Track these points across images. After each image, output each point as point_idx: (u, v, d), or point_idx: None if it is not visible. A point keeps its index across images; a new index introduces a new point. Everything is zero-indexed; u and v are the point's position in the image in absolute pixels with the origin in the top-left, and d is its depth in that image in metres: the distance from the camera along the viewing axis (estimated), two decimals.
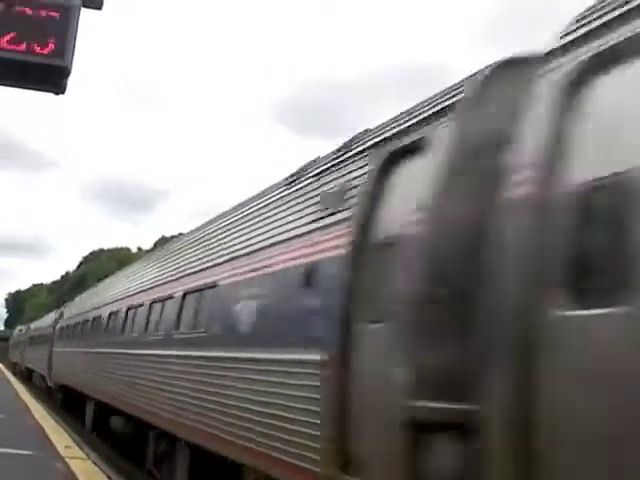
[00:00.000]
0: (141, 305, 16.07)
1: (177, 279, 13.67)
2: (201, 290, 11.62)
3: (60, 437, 20.25)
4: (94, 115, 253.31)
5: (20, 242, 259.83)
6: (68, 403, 30.11)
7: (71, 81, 4.86)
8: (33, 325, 55.88)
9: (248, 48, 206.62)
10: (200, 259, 12.49)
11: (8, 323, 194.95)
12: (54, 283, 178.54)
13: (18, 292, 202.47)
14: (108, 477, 14.41)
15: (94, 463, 16.15)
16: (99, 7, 5.35)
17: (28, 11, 4.55)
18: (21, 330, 70.26)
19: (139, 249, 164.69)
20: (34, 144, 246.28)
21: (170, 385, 12.20)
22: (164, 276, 15.07)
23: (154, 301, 14.94)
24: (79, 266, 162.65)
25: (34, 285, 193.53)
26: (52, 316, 38.70)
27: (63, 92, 4.82)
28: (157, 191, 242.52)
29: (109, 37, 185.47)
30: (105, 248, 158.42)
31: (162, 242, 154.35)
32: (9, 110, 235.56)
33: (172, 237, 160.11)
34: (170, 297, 13.53)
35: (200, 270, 12.19)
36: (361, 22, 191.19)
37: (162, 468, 13.29)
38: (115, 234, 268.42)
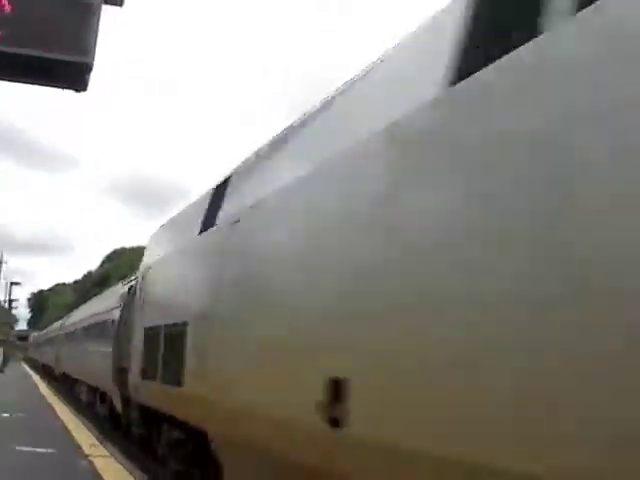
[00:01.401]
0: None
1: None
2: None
3: (84, 436, 20.45)
4: (113, 112, 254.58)
5: (42, 242, 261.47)
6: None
7: (92, 78, 4.99)
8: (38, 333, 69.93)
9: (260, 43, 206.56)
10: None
11: (31, 323, 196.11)
12: (76, 282, 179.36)
13: (41, 292, 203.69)
14: (132, 475, 14.57)
15: (118, 461, 16.30)
16: (120, 4, 5.47)
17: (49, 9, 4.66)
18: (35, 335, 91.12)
19: None
20: (54, 144, 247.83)
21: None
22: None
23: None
24: (101, 265, 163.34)
25: (57, 285, 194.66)
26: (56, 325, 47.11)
27: (85, 89, 4.92)
28: (178, 188, 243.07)
29: (127, 33, 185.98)
30: (127, 247, 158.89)
31: None
32: (28, 110, 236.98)
33: None
34: None
35: None
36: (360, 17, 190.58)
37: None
38: (137, 232, 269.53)
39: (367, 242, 5.57)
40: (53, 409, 29.66)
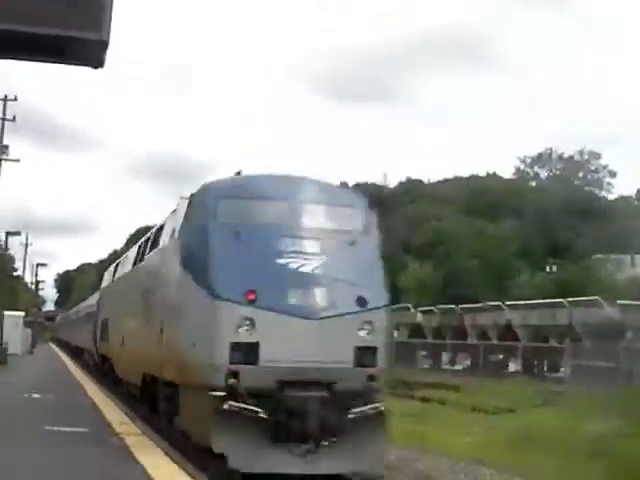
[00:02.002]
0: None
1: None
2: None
3: (115, 414, 20.61)
4: (134, 91, 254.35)
5: (67, 223, 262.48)
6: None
7: (111, 58, 5.01)
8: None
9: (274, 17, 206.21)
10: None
11: (58, 303, 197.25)
12: (102, 262, 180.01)
13: (67, 272, 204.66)
14: (164, 451, 14.66)
15: (149, 439, 16.40)
16: None
17: None
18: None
19: None
20: (77, 124, 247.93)
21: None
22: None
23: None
24: (126, 244, 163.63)
25: (82, 265, 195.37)
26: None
27: (102, 66, 4.93)
28: (201, 165, 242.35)
29: (147, 10, 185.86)
30: (151, 225, 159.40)
31: None
32: (50, 90, 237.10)
33: None
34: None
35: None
36: None
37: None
38: (161, 210, 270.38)
39: (122, 299, 25.09)
40: (83, 388, 29.89)
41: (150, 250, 20.00)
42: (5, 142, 52.97)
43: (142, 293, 19.35)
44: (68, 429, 16.90)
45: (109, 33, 4.64)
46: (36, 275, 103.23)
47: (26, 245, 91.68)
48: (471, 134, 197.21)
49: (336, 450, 13.10)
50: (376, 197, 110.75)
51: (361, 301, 13.50)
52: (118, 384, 26.10)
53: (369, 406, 13.43)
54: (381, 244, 15.19)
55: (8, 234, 63.15)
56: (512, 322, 54.04)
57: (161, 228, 19.01)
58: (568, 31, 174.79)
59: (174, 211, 17.28)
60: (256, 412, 12.78)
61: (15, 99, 55.44)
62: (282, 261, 13.38)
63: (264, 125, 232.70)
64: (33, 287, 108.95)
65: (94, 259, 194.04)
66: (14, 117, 55.41)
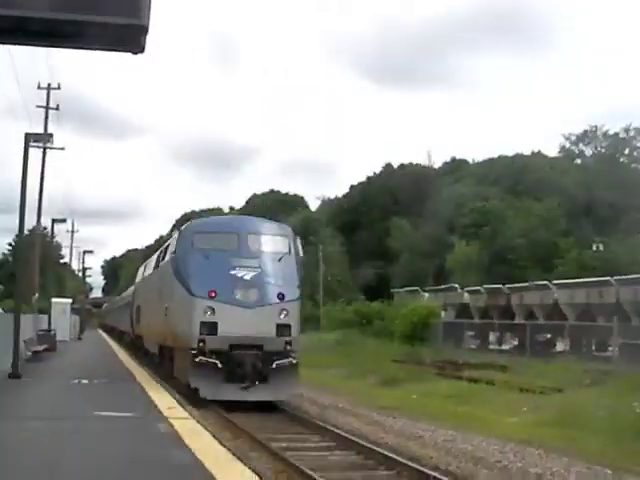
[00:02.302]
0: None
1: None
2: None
3: (163, 399, 20.76)
4: (176, 76, 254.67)
5: (113, 210, 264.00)
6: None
7: (153, 42, 5.03)
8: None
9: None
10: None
11: (105, 289, 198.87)
12: (148, 247, 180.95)
13: (114, 259, 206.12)
14: (212, 435, 14.76)
15: (197, 422, 16.51)
16: None
17: None
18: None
19: (231, 209, 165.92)
20: (120, 111, 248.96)
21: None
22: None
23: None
24: (172, 229, 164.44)
25: (129, 251, 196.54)
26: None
27: (142, 51, 4.94)
28: (245, 149, 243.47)
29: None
30: (197, 210, 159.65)
31: (254, 199, 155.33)
32: (94, 77, 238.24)
33: (263, 194, 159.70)
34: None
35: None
36: None
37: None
38: (206, 195, 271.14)
39: (147, 293, 34.96)
40: (131, 373, 30.14)
41: (161, 261, 30.95)
42: (49, 130, 53.26)
43: (157, 291, 30.32)
44: (117, 414, 17.07)
45: (149, 18, 4.65)
46: (83, 262, 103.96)
47: (72, 232, 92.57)
48: (515, 112, 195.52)
49: (265, 386, 22.75)
50: (421, 177, 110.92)
51: (280, 296, 23.35)
52: (146, 354, 36.92)
53: (286, 360, 23.03)
54: (303, 260, 25.70)
55: (54, 221, 63.43)
56: (559, 301, 53.62)
57: (167, 247, 29.87)
58: (614, 6, 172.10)
59: (173, 237, 27.83)
60: (215, 363, 22.54)
61: (58, 87, 55.87)
62: (232, 272, 23.36)
63: (305, 106, 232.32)
64: (80, 274, 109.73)
65: (140, 245, 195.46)
66: (58, 106, 55.91)
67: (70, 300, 68.86)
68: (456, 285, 69.20)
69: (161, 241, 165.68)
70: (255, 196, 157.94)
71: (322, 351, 54.37)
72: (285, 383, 23.22)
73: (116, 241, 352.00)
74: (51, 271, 65.74)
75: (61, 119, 79.60)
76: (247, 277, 23.60)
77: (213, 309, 23.12)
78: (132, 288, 50.19)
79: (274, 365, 22.97)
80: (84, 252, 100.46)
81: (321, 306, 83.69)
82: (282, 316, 23.54)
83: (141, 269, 43.98)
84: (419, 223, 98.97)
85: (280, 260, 24.43)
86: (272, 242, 25.06)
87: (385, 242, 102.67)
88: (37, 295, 50.77)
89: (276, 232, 25.87)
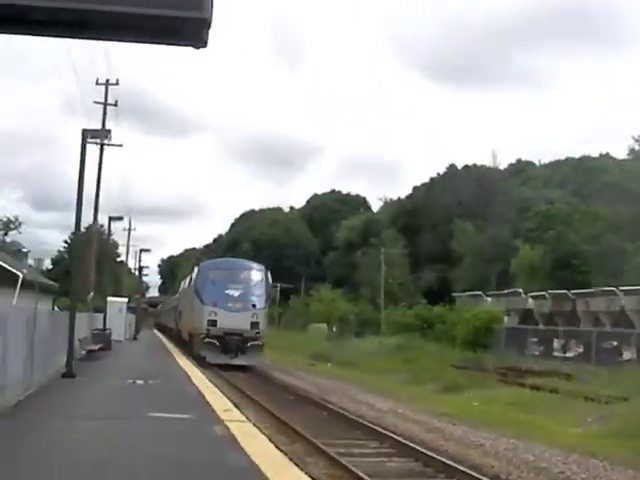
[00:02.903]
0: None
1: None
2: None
3: (219, 401, 20.83)
4: (237, 72, 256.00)
5: (171, 208, 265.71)
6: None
7: (215, 37, 5.01)
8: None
9: None
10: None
11: (161, 289, 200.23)
12: (206, 247, 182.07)
13: (171, 258, 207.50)
14: (268, 438, 14.77)
15: (254, 425, 16.53)
16: None
17: None
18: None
19: (291, 208, 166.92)
20: (179, 107, 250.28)
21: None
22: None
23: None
24: (231, 229, 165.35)
25: (186, 250, 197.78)
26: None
27: (204, 45, 4.92)
28: (306, 147, 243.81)
29: None
30: (256, 209, 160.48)
31: (315, 200, 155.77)
32: (153, 74, 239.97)
33: (324, 194, 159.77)
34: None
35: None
36: None
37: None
38: (266, 194, 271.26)
39: (183, 301, 61.59)
40: (187, 375, 30.30)
41: (190, 282, 53.56)
42: (107, 127, 53.66)
43: (187, 300, 53.52)
44: (172, 415, 17.13)
45: (211, 11, 4.64)
46: (139, 261, 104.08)
47: (129, 230, 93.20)
48: (583, 112, 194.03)
49: (243, 356, 44.52)
50: (486, 179, 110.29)
51: (253, 305, 45.81)
52: (183, 342, 58.18)
53: (255, 342, 44.84)
54: (272, 286, 53.40)
55: (111, 219, 63.36)
56: (626, 308, 53.13)
57: (191, 275, 54.24)
58: None
59: (193, 271, 53.93)
60: (215, 343, 44.45)
61: (117, 83, 56.28)
62: (227, 291, 45.77)
63: (369, 105, 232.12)
64: (136, 273, 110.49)
65: (198, 244, 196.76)
66: (116, 102, 56.27)
67: (126, 299, 69.43)
68: (520, 290, 68.81)
69: (220, 240, 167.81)
70: (316, 196, 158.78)
71: (382, 356, 54.43)
72: (255, 355, 45.55)
73: (173, 240, 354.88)
74: (107, 269, 66.06)
75: (119, 116, 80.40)
76: (235, 294, 46.33)
77: (215, 312, 45.50)
78: (177, 295, 75.73)
79: (248, 345, 45.00)
80: (141, 250, 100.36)
81: (382, 310, 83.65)
82: (254, 317, 45.73)
83: (183, 282, 68.72)
84: (483, 226, 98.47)
85: (255, 285, 47.68)
86: (251, 274, 48.78)
87: (448, 245, 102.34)
88: (92, 293, 51.20)
89: (254, 268, 50.17)
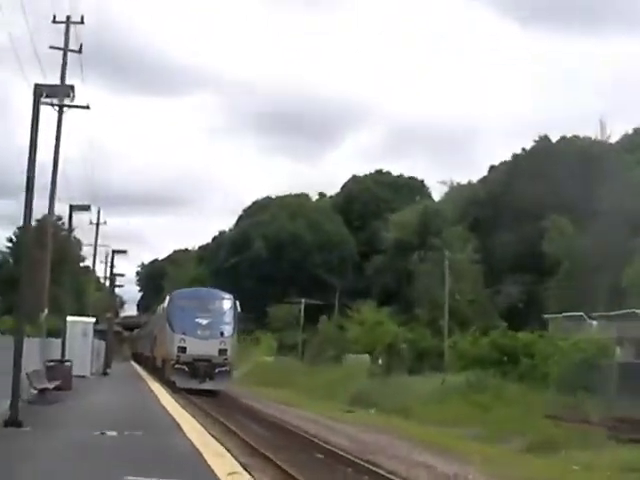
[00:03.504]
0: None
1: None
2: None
3: (221, 460, 20.75)
4: (249, 10, 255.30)
5: (156, 195, 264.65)
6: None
7: None
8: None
9: None
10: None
11: (141, 306, 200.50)
12: (203, 248, 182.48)
13: (154, 263, 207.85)
14: None
15: None
16: None
17: None
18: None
19: (321, 196, 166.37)
20: (168, 56, 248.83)
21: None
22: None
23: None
24: (238, 223, 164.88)
25: (175, 252, 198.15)
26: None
27: None
28: (342, 114, 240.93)
29: None
30: (273, 196, 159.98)
31: (353, 183, 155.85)
32: (132, 11, 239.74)
33: (367, 176, 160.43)
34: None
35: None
36: None
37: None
38: (287, 176, 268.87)
39: (157, 327, 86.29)
40: (177, 423, 30.33)
41: (162, 310, 78.49)
42: (69, 81, 52.11)
43: (160, 326, 76.91)
44: None
45: None
46: (111, 267, 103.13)
47: (97, 224, 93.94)
48: None
49: (212, 381, 65.58)
50: (591, 156, 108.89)
51: (221, 333, 67.47)
52: (157, 369, 78.20)
53: (223, 368, 66.24)
54: (240, 314, 73.23)
55: (73, 209, 60.87)
56: None
57: (163, 304, 78.18)
58: None
59: (166, 299, 76.50)
60: (184, 369, 65.00)
61: (82, 21, 55.75)
62: (197, 320, 66.98)
63: (428, 59, 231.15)
64: (107, 283, 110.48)
65: (192, 244, 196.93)
66: (80, 47, 55.77)
67: (93, 319, 69.84)
68: (637, 311, 68.44)
69: (222, 239, 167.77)
70: (355, 180, 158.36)
71: (445, 400, 54.27)
72: (223, 380, 65.68)
73: (158, 238, 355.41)
74: (68, 278, 65.62)
75: (86, 66, 78.44)
76: (204, 322, 65.85)
77: (185, 339, 64.76)
78: (153, 317, 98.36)
79: (217, 371, 64.42)
80: (114, 252, 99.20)
81: (445, 337, 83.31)
82: (222, 345, 65.44)
83: (159, 307, 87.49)
84: (587, 222, 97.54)
85: (224, 314, 68.47)
86: (219, 303, 69.84)
87: (537, 248, 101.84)
88: (47, 311, 51.33)
89: (223, 298, 71.08)
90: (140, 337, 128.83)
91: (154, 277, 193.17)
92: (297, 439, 37.05)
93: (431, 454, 31.13)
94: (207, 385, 63.50)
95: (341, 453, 31.57)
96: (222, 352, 65.00)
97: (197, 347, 64.23)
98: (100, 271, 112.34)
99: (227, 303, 70.07)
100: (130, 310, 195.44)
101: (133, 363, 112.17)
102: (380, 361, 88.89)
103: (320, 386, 72.74)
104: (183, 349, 64.01)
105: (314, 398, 64.49)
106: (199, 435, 27.05)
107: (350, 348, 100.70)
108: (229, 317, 68.25)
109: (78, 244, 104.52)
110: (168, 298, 73.52)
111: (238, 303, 70.79)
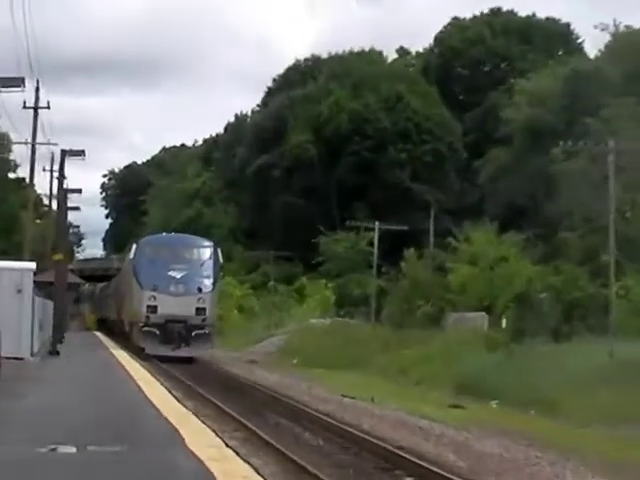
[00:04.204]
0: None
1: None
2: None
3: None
4: None
5: (133, 62, 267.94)
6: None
7: None
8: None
9: None
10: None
11: (109, 242, 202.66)
12: (210, 144, 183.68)
13: (130, 168, 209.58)
14: None
15: None
16: None
17: None
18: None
19: (402, 53, 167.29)
20: None
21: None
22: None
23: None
24: (265, 99, 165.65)
25: (165, 150, 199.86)
26: None
27: None
28: None
29: None
30: (324, 55, 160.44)
31: (451, 31, 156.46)
32: None
33: (472, 20, 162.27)
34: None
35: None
36: None
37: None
38: (350, 25, 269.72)
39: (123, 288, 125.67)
40: (175, 431, 30.41)
41: (128, 262, 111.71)
42: None
43: (126, 281, 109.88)
44: None
45: None
46: (60, 178, 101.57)
47: (35, 109, 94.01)
48: None
49: (187, 347, 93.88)
50: None
51: (199, 289, 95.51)
52: (124, 334, 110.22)
53: (202, 330, 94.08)
54: (221, 265, 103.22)
55: None
56: None
57: (129, 254, 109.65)
58: None
59: (132, 248, 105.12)
60: (155, 332, 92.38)
61: None
62: (169, 272, 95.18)
63: None
64: (54, 205, 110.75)
65: (192, 138, 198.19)
66: None
67: (32, 265, 69.42)
68: None
69: (238, 128, 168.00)
70: (456, 24, 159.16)
71: (617, 385, 54.11)
72: (201, 345, 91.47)
73: (137, 129, 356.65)
74: None
75: None
76: (178, 276, 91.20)
77: (155, 297, 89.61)
78: (117, 279, 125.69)
79: (193, 334, 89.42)
80: (64, 154, 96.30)
81: (612, 281, 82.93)
82: (199, 302, 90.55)
83: (127, 257, 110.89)
84: None
85: (202, 265, 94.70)
86: (197, 252, 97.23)
87: None
88: None
89: (200, 245, 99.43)
90: (107, 295, 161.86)
91: (130, 192, 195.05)
92: (374, 450, 37.31)
93: None
94: (182, 352, 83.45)
95: (448, 476, 31.72)
96: (200, 311, 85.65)
97: (170, 306, 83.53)
98: (42, 186, 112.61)
99: (206, 252, 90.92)
100: (93, 248, 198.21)
101: (98, 334, 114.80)
102: (504, 322, 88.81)
103: (408, 364, 72.24)
104: (153, 308, 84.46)
105: (400, 384, 63.62)
106: (202, 448, 27.02)
107: (454, 302, 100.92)
108: (208, 269, 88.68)
109: (4, 141, 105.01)
110: (134, 247, 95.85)
111: (220, 251, 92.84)
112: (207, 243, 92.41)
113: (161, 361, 69.48)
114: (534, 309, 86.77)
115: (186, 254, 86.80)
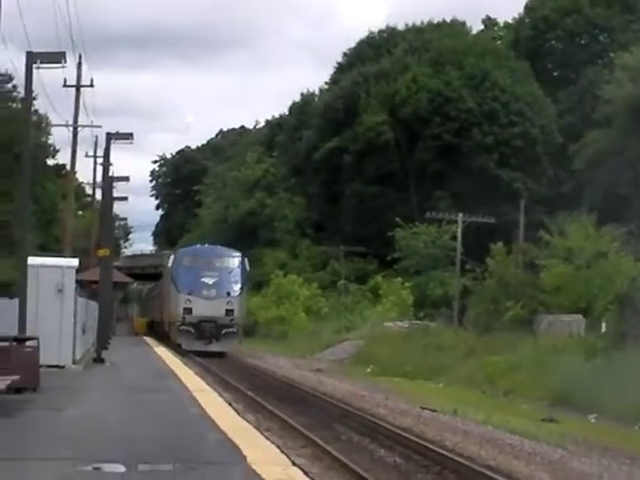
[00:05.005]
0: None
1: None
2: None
3: None
4: None
5: (184, 37, 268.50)
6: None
7: None
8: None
9: None
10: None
11: (160, 236, 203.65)
12: (272, 127, 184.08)
13: (182, 153, 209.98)
14: None
15: None
16: None
17: None
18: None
19: (488, 24, 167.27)
20: None
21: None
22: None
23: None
24: (336, 76, 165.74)
25: (223, 133, 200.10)
26: None
27: None
28: None
29: None
30: (400, 26, 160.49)
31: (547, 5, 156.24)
32: None
33: None
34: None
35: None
36: None
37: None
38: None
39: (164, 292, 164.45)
40: (236, 448, 30.08)
41: (167, 270, 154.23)
42: None
43: (166, 286, 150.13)
44: None
45: None
46: (105, 164, 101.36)
47: (77, 87, 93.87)
48: None
49: (217, 343, 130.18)
50: None
51: (228, 293, 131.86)
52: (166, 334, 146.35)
53: (230, 329, 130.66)
54: (249, 272, 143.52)
55: (33, 59, 60.23)
56: None
57: (168, 263, 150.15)
58: None
59: (170, 257, 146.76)
60: (190, 330, 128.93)
61: None
62: (203, 279, 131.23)
63: None
64: (98, 196, 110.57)
65: (252, 120, 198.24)
66: None
67: (75, 262, 68.90)
68: None
69: (305, 108, 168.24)
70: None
71: None
72: (229, 342, 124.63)
73: (190, 111, 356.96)
74: (25, 185, 65.30)
75: None
76: (210, 282, 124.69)
77: (190, 300, 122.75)
78: (159, 283, 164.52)
79: (223, 332, 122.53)
80: (109, 137, 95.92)
81: None
82: (228, 305, 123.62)
83: (167, 264, 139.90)
84: None
85: (230, 272, 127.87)
86: (226, 262, 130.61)
87: None
88: None
89: (230, 255, 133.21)
90: (153, 296, 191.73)
91: (183, 181, 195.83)
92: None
93: None
94: (213, 347, 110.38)
95: None
96: (229, 312, 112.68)
97: (203, 308, 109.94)
98: (85, 174, 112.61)
99: (234, 261, 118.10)
100: (141, 243, 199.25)
101: (149, 340, 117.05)
102: (604, 326, 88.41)
103: (495, 373, 72.42)
104: (189, 310, 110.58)
105: (486, 395, 63.65)
106: (271, 468, 26.67)
107: (547, 303, 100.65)
108: (236, 276, 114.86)
109: (42, 123, 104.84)
110: (172, 257, 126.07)
111: (247, 260, 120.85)
112: (235, 253, 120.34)
113: (197, 355, 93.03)
114: (638, 311, 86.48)
115: (217, 263, 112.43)
